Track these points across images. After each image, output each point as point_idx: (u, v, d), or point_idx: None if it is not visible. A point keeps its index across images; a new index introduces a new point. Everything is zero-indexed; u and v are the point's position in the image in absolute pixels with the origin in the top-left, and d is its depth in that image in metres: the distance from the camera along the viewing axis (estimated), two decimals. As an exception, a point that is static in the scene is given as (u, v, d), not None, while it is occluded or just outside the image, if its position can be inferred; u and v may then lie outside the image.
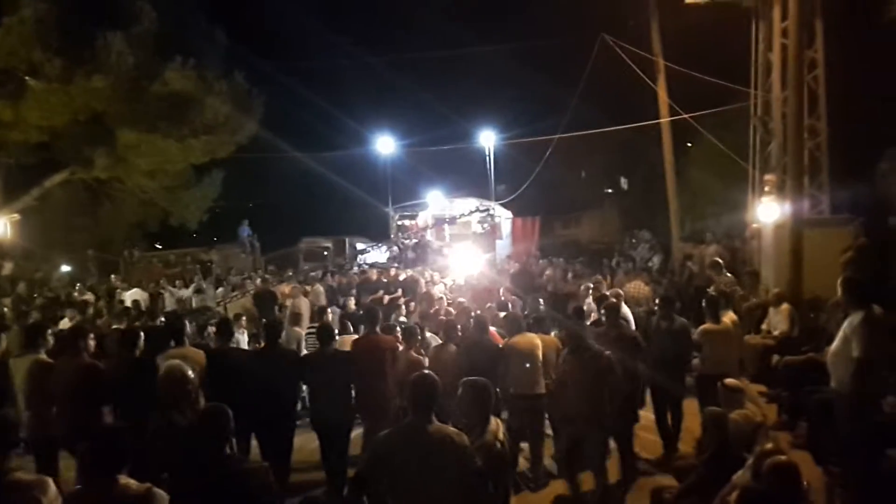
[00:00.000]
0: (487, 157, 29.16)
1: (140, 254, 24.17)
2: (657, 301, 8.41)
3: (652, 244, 18.80)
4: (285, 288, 15.01)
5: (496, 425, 4.38)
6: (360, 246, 27.16)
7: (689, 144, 24.14)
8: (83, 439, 3.73)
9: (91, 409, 5.62)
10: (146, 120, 18.82)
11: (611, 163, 30.39)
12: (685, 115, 16.95)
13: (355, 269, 20.59)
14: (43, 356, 6.10)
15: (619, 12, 18.77)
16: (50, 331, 6.64)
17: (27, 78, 17.08)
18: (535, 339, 7.07)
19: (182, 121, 19.30)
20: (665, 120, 17.37)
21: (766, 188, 13.24)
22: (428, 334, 8.41)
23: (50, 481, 3.39)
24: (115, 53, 17.71)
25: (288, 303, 12.86)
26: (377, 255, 25.52)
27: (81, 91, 17.34)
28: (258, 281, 16.30)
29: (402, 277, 15.82)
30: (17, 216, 19.51)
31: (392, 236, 27.88)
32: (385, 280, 15.63)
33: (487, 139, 28.78)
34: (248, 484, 3.66)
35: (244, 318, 10.37)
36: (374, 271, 17.27)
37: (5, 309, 13.34)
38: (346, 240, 28.41)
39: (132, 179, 21.46)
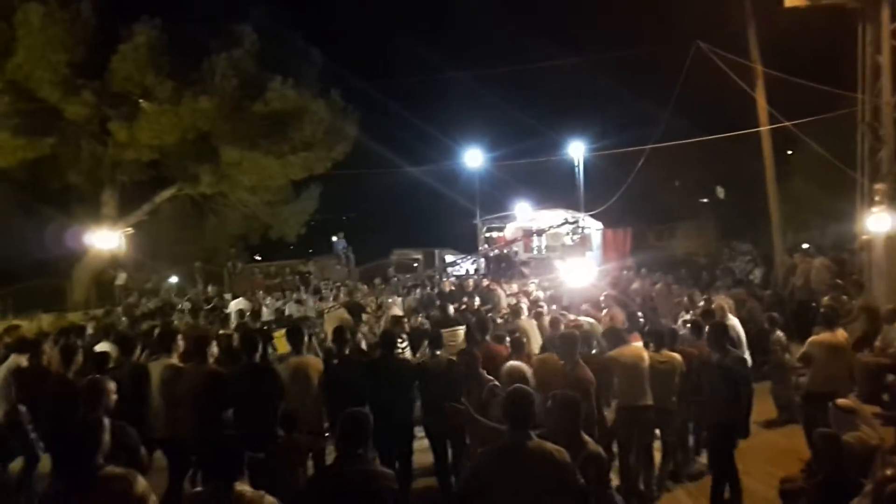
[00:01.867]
0: (576, 168, 28.81)
1: (243, 265, 25.20)
2: (707, 329, 7.33)
3: (752, 256, 18.11)
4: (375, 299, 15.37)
5: (589, 438, 4.31)
6: (448, 258, 27.36)
7: (790, 153, 23.19)
8: (205, 444, 3.95)
9: (214, 415, 5.87)
10: (248, 138, 19.73)
11: (706, 172, 29.48)
12: (787, 123, 16.28)
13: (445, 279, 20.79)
14: (175, 360, 6.44)
15: (713, 19, 18.27)
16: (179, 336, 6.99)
17: (140, 101, 18.26)
18: (641, 351, 6.97)
19: (282, 138, 20.12)
20: (765, 128, 16.74)
21: (877, 198, 12.54)
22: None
23: (139, 476, 3.61)
24: (220, 75, 18.73)
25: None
26: (467, 266, 25.66)
27: (189, 111, 18.38)
28: (347, 292, 16.72)
29: (478, 288, 15.92)
30: (130, 230, 20.80)
31: (480, 248, 27.96)
32: (462, 291, 15.75)
33: (577, 150, 28.45)
34: (376, 484, 3.73)
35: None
36: (448, 282, 17.39)
37: (123, 318, 14.17)
38: (436, 252, 28.67)
39: (235, 194, 22.52)
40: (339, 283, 20.37)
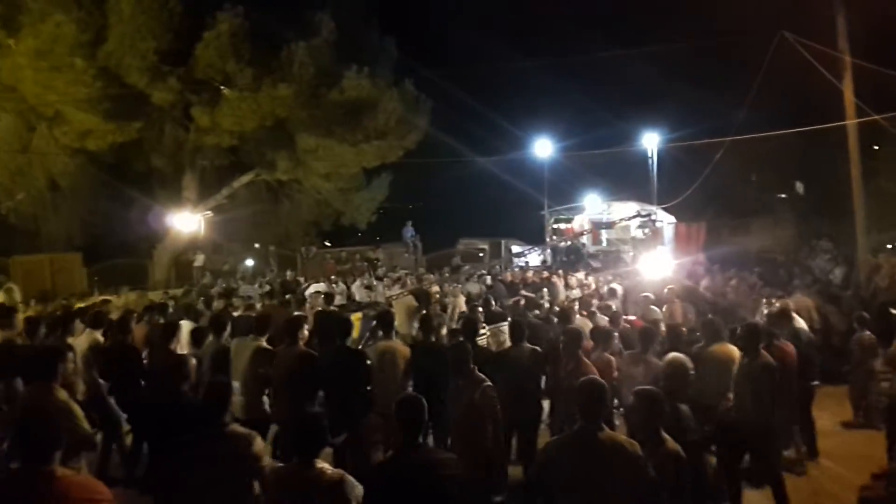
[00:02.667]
0: (650, 160, 28.19)
1: (315, 250, 25.79)
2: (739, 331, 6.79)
3: (833, 255, 17.43)
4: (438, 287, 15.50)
5: (669, 437, 4.21)
6: (515, 249, 27.27)
7: (876, 147, 22.23)
8: (289, 422, 4.14)
9: (306, 395, 6.03)
10: (324, 125, 20.20)
11: (785, 166, 28.48)
12: (876, 117, 15.58)
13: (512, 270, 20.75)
14: (264, 343, 6.65)
15: (798, 6, 17.61)
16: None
17: (222, 87, 18.87)
18: (732, 352, 6.65)
19: (356, 127, 20.50)
20: (852, 122, 16.06)
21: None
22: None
23: (258, 437, 3.97)
24: (298, 63, 19.20)
25: (448, 300, 13.39)
26: (533, 258, 25.54)
27: (268, 98, 18.93)
28: (413, 279, 16.90)
29: (538, 280, 15.81)
30: (209, 213, 21.58)
31: (547, 239, 27.78)
32: (522, 283, 15.70)
33: (650, 141, 27.86)
34: (437, 473, 3.74)
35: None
36: (508, 273, 17.33)
37: (200, 298, 14.69)
38: (503, 242, 28.62)
39: (309, 181, 23.09)
40: (407, 271, 20.63)
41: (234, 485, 3.81)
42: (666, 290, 11.65)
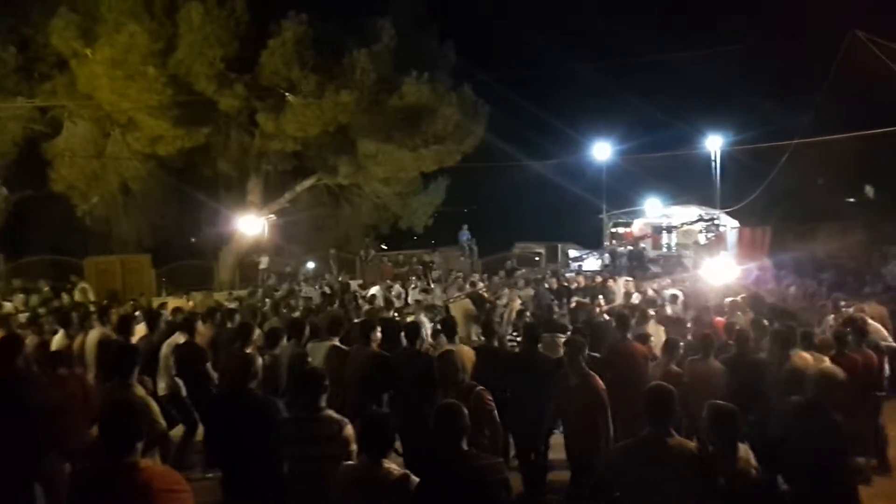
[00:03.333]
0: (713, 163, 27.59)
1: (374, 253, 26.10)
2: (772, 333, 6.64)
3: (906, 261, 16.80)
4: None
5: (745, 452, 4.09)
6: (572, 253, 27.02)
7: (952, 150, 21.27)
8: (359, 421, 4.25)
9: (377, 396, 6.09)
10: (384, 131, 20.49)
11: (854, 170, 27.49)
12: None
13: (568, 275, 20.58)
14: (338, 343, 6.80)
15: (868, 4, 17.06)
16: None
17: (287, 94, 19.29)
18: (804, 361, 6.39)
19: (416, 132, 20.72)
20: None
21: None
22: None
23: (349, 424, 4.25)
24: (360, 70, 19.47)
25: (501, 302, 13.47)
26: (591, 262, 25.28)
27: (331, 105, 19.28)
28: (469, 284, 16.96)
29: (590, 285, 15.71)
30: (273, 216, 22.10)
31: (605, 244, 27.48)
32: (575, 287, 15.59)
33: (713, 144, 27.26)
34: (484, 479, 3.65)
35: None
36: (553, 280, 17.21)
37: (267, 299, 15.03)
38: (559, 246, 28.40)
39: (369, 185, 23.44)
40: (462, 274, 20.67)
41: (326, 463, 4.03)
42: (739, 298, 11.38)
